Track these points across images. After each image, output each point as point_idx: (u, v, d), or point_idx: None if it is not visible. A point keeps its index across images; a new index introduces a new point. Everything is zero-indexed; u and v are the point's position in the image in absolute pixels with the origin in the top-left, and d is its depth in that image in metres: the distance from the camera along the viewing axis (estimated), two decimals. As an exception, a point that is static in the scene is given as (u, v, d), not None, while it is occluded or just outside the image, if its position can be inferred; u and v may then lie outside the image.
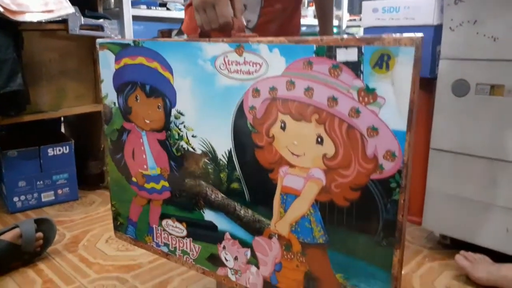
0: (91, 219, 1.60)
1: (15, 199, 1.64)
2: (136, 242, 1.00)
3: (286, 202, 0.71)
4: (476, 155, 1.18)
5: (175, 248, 0.92)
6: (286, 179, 0.70)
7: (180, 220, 0.89)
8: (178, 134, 0.83)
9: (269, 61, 0.68)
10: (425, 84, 1.44)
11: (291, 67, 0.65)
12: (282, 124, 0.69)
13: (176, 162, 0.85)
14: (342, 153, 0.63)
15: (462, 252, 1.21)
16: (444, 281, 1.18)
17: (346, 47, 0.59)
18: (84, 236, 1.45)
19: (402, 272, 1.20)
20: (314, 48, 0.62)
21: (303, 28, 3.10)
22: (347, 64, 0.59)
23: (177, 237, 0.90)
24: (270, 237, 0.74)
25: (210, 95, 0.77)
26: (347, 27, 3.20)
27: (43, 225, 1.31)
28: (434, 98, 1.27)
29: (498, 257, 1.18)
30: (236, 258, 0.80)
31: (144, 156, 0.91)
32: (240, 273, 0.80)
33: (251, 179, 0.75)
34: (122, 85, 0.92)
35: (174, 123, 0.83)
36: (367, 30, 1.56)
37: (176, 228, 0.90)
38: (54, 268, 1.26)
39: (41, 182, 1.69)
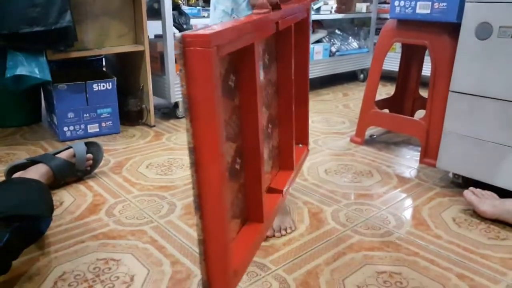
0: (133, 149, 1.77)
1: (65, 128, 1.83)
2: None
3: None
4: (494, 97, 1.24)
5: None
6: None
7: None
8: None
9: None
10: (452, 29, 1.46)
11: None
12: None
13: None
14: None
15: (471, 188, 1.29)
16: (451, 214, 1.28)
17: None
18: (126, 162, 1.63)
19: (413, 204, 1.31)
20: None
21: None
22: None
23: None
24: None
25: None
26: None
27: (92, 147, 1.48)
28: (458, 42, 1.31)
29: (507, 196, 1.25)
30: None
31: None
32: None
33: None
34: None
35: None
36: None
37: None
38: (102, 185, 1.44)
39: (87, 114, 1.86)
